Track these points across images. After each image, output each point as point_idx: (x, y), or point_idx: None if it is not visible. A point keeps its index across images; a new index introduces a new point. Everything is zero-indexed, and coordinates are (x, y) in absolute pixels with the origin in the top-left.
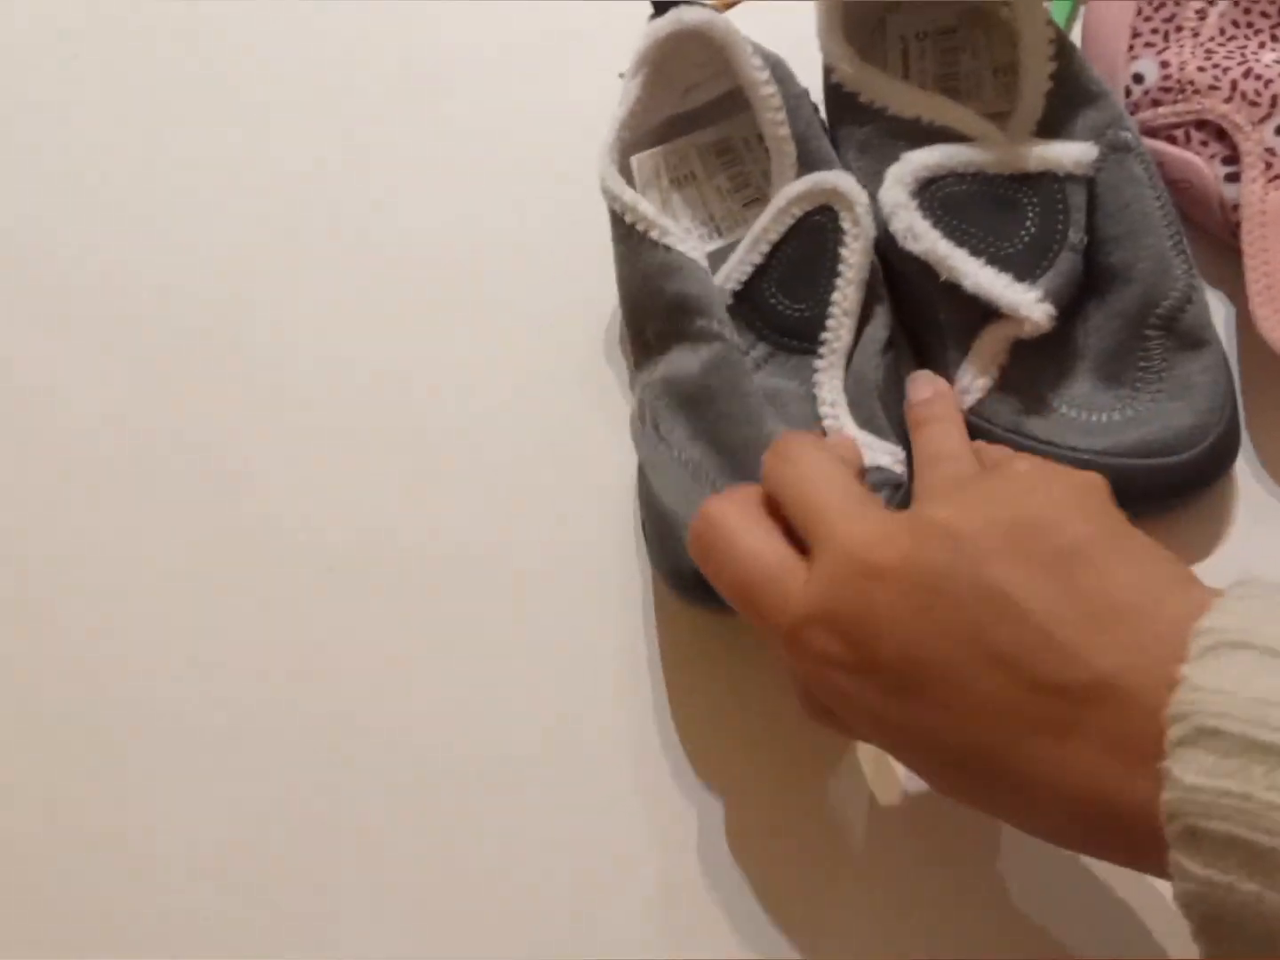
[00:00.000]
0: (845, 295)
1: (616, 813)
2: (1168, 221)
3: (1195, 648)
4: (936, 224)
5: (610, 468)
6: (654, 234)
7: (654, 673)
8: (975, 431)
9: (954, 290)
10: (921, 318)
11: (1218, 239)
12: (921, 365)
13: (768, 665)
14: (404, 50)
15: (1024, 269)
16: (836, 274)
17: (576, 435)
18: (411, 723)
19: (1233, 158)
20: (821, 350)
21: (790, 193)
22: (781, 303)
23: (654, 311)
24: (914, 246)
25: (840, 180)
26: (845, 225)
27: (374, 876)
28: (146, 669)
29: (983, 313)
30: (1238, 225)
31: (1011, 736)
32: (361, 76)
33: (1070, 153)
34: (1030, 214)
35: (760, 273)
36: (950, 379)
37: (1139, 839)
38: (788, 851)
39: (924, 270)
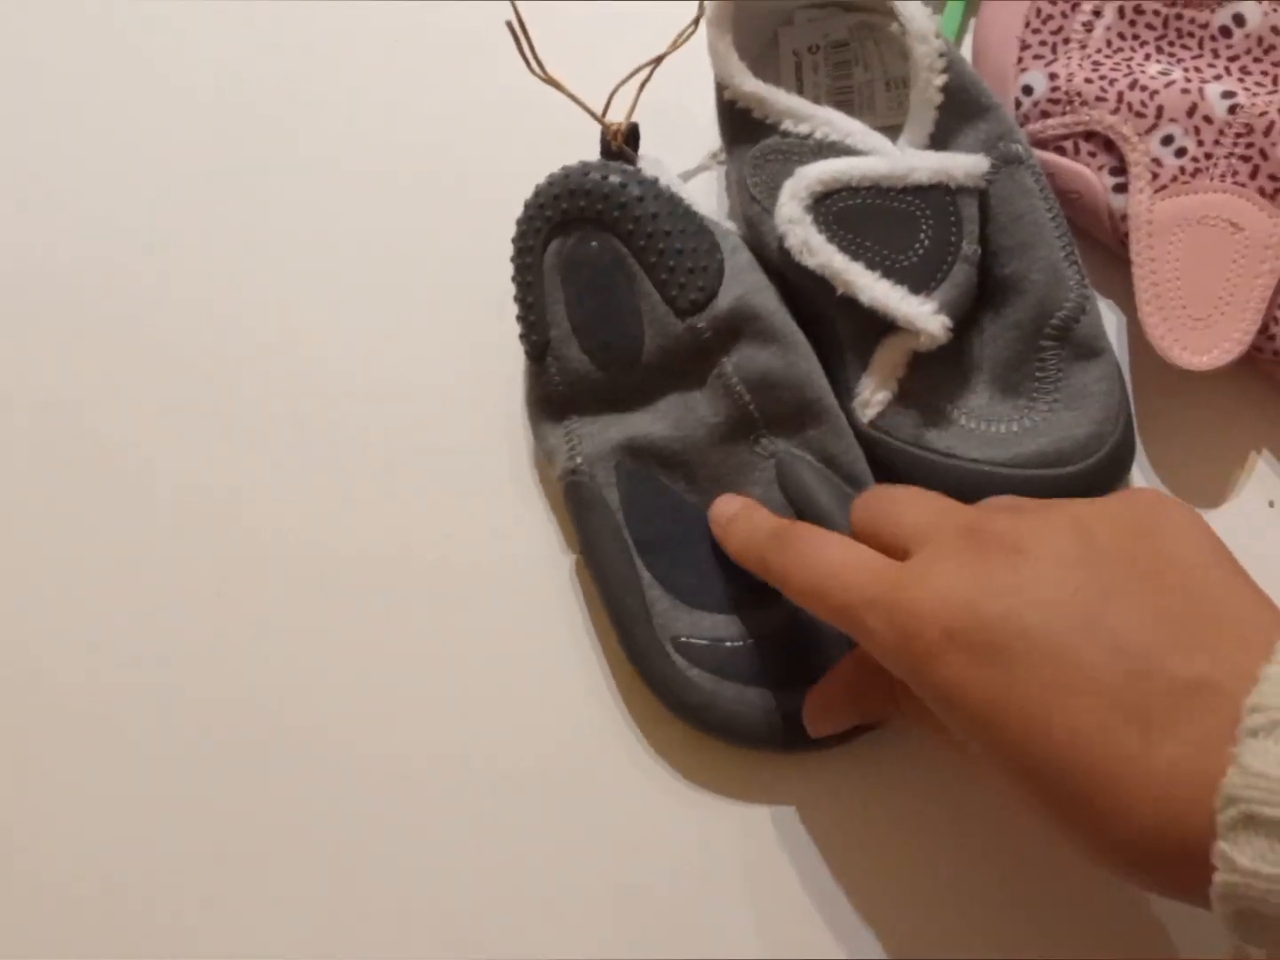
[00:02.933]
0: None
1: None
2: (1060, 233)
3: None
4: (832, 238)
5: None
6: None
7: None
8: (876, 445)
9: (851, 304)
10: (820, 332)
11: (1108, 249)
12: None
13: None
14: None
15: (919, 281)
16: None
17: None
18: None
19: (1120, 168)
20: None
21: None
22: None
23: None
24: (810, 261)
25: None
26: None
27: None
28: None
29: (880, 326)
30: (1126, 235)
31: (1105, 722)
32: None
33: (962, 165)
34: (924, 226)
35: None
36: (851, 393)
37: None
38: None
39: (821, 285)
